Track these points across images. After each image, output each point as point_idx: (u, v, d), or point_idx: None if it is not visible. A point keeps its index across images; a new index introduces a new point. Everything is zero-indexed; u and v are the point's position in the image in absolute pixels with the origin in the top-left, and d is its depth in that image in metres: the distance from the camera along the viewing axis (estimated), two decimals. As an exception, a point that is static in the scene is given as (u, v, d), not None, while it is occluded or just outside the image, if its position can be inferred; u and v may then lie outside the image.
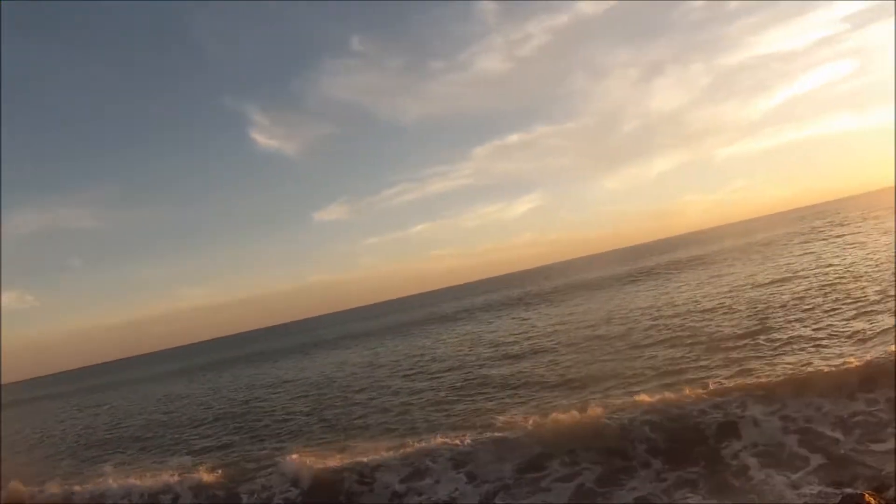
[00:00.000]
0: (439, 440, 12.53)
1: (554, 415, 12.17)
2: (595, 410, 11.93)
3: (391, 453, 12.64)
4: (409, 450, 12.54)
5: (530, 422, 12.34)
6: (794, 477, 8.94)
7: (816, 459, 9.22)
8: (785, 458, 9.50)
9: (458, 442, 12.19)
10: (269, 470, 13.93)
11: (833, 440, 9.56)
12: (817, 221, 75.37)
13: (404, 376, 23.63)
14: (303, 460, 13.39)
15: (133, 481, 15.36)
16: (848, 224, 54.93)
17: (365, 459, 12.71)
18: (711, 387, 12.16)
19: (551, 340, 24.44)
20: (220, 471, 14.77)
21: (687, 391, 11.98)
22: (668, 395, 11.98)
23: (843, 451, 9.23)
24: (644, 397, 12.04)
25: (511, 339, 27.82)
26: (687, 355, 16.31)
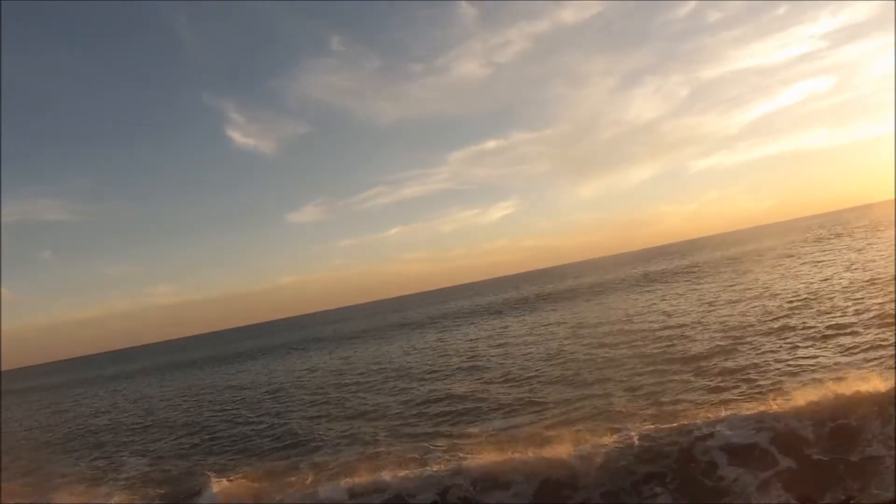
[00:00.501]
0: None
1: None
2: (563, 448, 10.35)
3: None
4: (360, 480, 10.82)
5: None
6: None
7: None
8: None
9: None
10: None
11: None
12: (792, 237, 75.55)
13: (370, 389, 21.85)
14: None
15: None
16: (821, 241, 54.64)
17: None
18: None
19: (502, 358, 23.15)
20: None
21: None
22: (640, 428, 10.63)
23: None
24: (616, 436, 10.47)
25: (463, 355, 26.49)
26: (662, 379, 15.04)
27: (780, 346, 15.82)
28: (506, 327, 34.20)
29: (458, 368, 22.01)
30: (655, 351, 18.19)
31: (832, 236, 58.74)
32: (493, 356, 23.47)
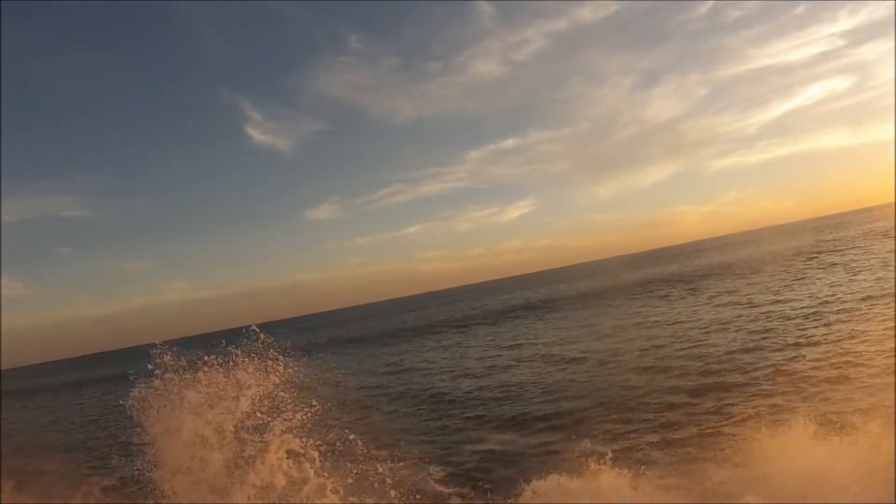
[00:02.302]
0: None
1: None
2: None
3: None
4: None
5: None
6: None
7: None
8: None
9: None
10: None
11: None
12: (807, 240, 74.91)
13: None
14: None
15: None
16: (839, 251, 54.13)
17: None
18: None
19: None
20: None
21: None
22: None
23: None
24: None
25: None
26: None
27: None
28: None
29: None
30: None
31: (828, 250, 58.01)
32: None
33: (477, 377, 22.75)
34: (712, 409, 13.43)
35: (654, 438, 12.21)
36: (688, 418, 13.18)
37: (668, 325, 26.80)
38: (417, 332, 49.35)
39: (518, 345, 29.63)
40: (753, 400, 13.49)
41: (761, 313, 24.77)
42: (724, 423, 12.41)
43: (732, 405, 13.43)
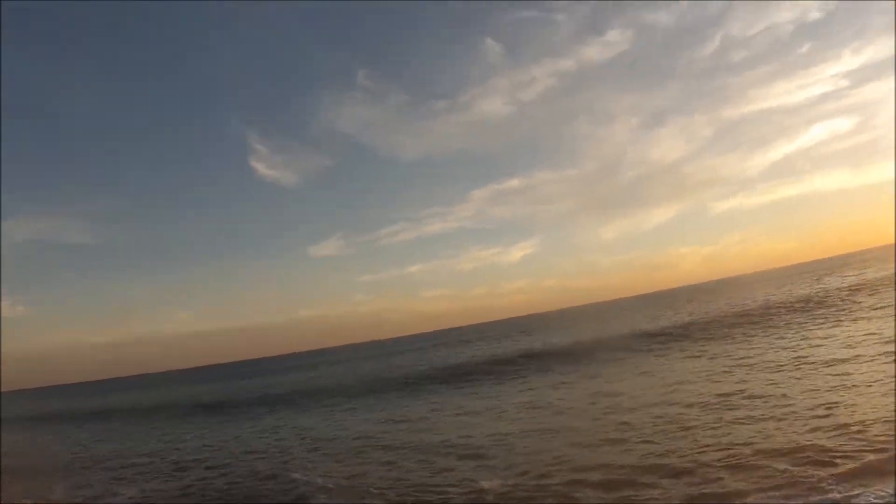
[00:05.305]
0: None
1: None
2: None
3: None
4: None
5: None
6: None
7: None
8: None
9: None
10: None
11: None
12: (804, 288, 72.86)
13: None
14: None
15: None
16: (832, 304, 52.09)
17: None
18: None
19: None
20: None
21: None
22: None
23: None
24: None
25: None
26: None
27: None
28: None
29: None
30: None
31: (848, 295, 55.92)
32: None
33: None
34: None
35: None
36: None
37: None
38: (404, 386, 46.84)
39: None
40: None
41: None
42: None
43: None
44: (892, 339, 25.34)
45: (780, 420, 16.57)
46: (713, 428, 16.91)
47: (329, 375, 72.61)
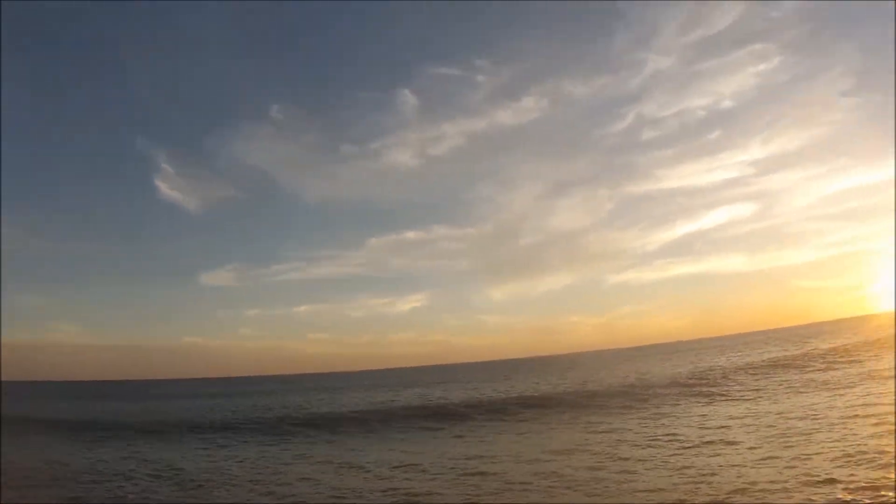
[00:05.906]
0: None
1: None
2: None
3: None
4: None
5: None
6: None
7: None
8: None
9: None
10: None
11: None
12: (688, 367, 72.87)
13: None
14: None
15: None
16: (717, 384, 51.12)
17: None
18: None
19: None
20: None
21: None
22: None
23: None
24: None
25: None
26: None
27: None
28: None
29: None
30: None
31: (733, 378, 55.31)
32: None
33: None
34: None
35: None
36: None
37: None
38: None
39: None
40: None
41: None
42: None
43: None
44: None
45: None
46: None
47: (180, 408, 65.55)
